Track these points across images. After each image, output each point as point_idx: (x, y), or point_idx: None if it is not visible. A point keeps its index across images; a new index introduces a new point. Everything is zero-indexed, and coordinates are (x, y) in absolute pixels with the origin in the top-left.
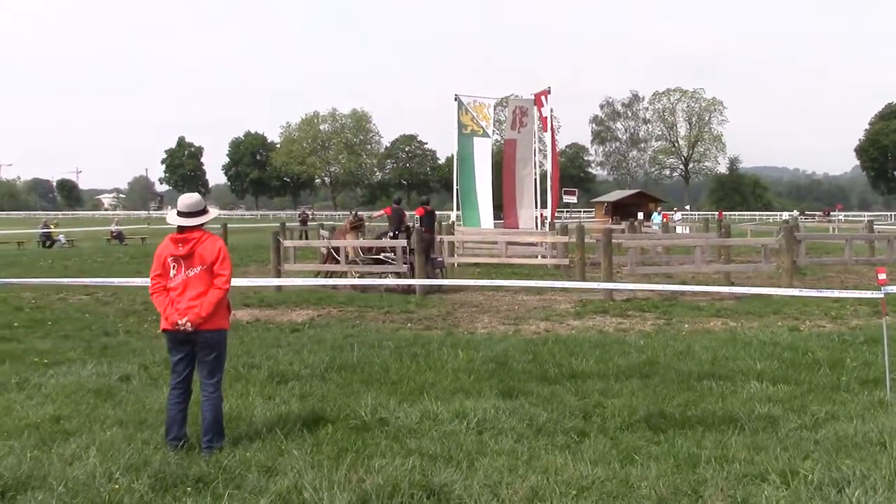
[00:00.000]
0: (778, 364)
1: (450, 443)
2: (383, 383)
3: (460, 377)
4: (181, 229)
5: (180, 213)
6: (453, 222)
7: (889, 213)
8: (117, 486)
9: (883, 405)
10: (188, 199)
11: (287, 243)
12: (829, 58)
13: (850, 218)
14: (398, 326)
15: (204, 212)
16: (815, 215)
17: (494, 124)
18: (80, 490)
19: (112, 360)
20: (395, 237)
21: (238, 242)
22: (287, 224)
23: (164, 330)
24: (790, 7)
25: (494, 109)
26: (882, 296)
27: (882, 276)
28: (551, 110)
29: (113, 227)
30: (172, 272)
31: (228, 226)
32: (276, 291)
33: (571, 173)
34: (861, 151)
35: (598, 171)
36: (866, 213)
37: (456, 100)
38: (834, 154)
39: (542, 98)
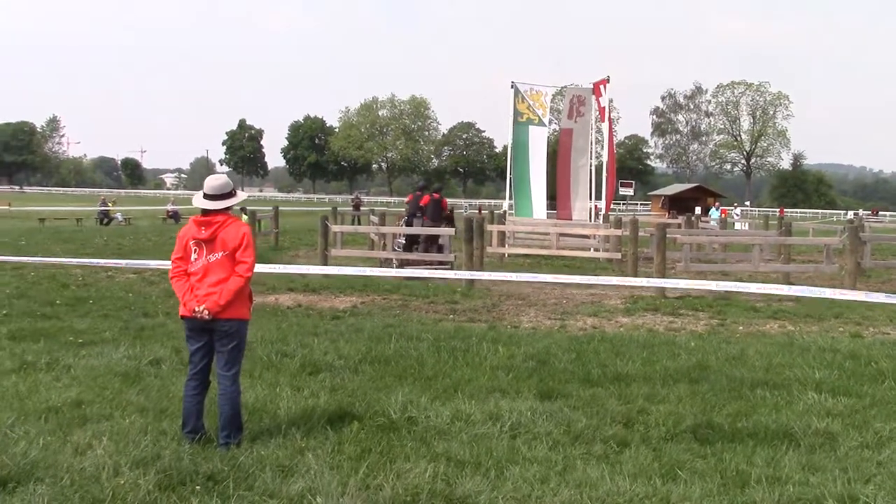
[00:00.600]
0: (838, 374)
1: (480, 448)
2: (417, 378)
3: (498, 375)
4: (205, 212)
5: (206, 196)
6: (505, 212)
7: None
8: (122, 482)
9: None
10: (215, 180)
11: (335, 228)
12: None
13: None
14: (441, 317)
15: (231, 195)
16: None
17: (552, 113)
18: (84, 483)
19: (146, 342)
20: (408, 224)
21: (291, 225)
22: (340, 209)
23: (182, 317)
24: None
25: (552, 98)
26: None
27: None
28: (610, 100)
29: (169, 207)
30: (194, 256)
31: (283, 209)
32: (323, 276)
33: (630, 165)
34: None
35: (657, 164)
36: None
37: (512, 87)
38: None
39: (601, 87)
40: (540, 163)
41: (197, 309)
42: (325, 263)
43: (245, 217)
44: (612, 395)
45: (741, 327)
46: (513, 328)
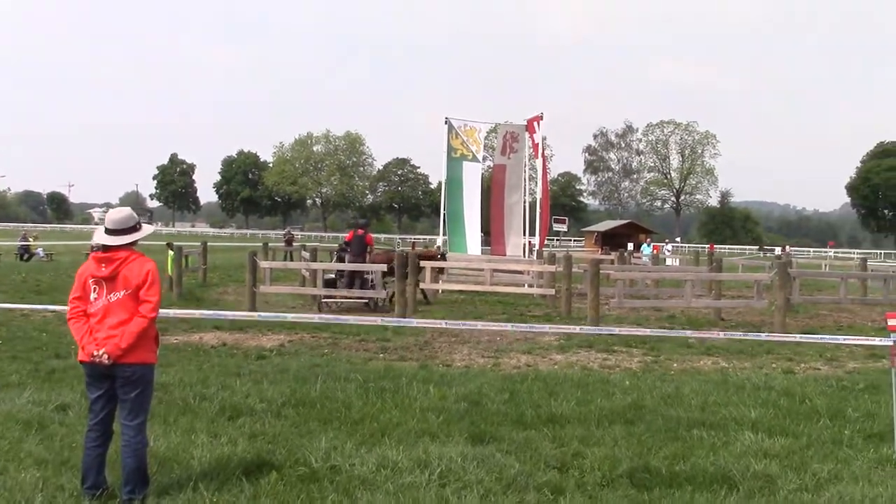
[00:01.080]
0: (773, 412)
1: (406, 499)
2: (343, 422)
3: (428, 417)
4: (106, 248)
5: (107, 231)
6: (439, 247)
7: (878, 251)
8: None
9: (891, 463)
10: (117, 213)
11: (263, 264)
12: (822, 95)
13: (840, 255)
14: (371, 356)
15: (134, 229)
16: (772, 250)
17: (487, 150)
18: None
19: (56, 385)
20: (339, 260)
21: (221, 261)
22: (271, 244)
23: (80, 362)
24: (783, 45)
25: (487, 135)
26: (893, 342)
27: (892, 322)
28: (543, 137)
29: (93, 242)
30: (93, 296)
31: (214, 244)
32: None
33: (563, 202)
34: (852, 189)
35: (589, 201)
36: (856, 251)
37: (446, 123)
38: (825, 191)
39: (535, 124)
40: (474, 199)
41: (96, 353)
42: (254, 300)
43: (171, 253)
44: (545, 437)
45: (675, 364)
46: (445, 367)
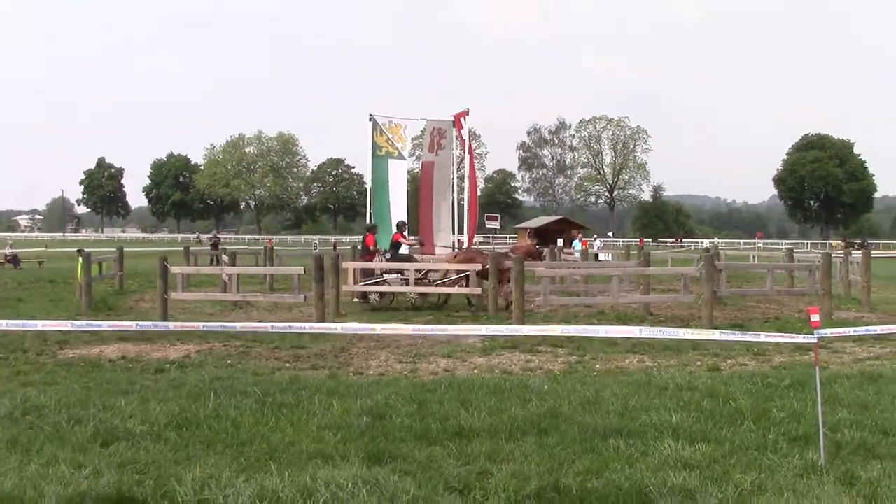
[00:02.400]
0: (696, 416)
1: None
2: (229, 445)
3: (325, 436)
4: None
5: None
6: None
7: (805, 242)
8: None
9: (816, 471)
10: None
11: (175, 269)
12: (750, 90)
13: (769, 246)
14: (280, 366)
15: None
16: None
17: (418, 147)
18: None
19: None
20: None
21: (145, 267)
22: (194, 248)
23: None
24: (710, 40)
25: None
26: (815, 340)
27: (815, 318)
28: (470, 131)
29: (7, 251)
30: None
31: (143, 249)
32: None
33: (499, 199)
34: (779, 181)
35: (524, 198)
36: (783, 242)
37: (370, 119)
38: (753, 183)
39: (462, 119)
40: (401, 197)
41: None
42: (165, 308)
43: (80, 260)
44: (451, 454)
45: (599, 364)
46: (357, 375)
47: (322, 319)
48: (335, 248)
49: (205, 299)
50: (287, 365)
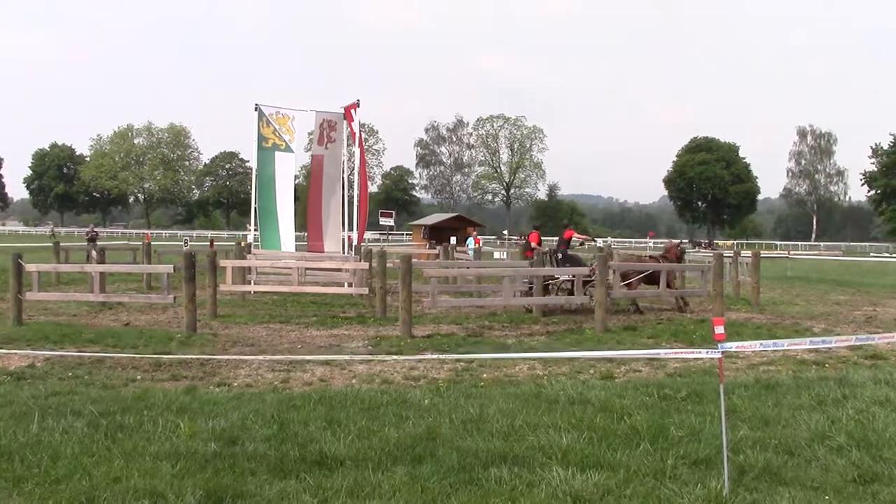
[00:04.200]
0: (588, 436)
1: None
2: (41, 482)
3: (161, 468)
4: None
5: None
6: (250, 244)
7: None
8: None
9: (720, 503)
10: None
11: (30, 267)
12: (642, 93)
13: (659, 245)
14: (135, 376)
15: None
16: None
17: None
18: None
19: None
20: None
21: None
22: (64, 243)
23: None
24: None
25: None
26: (719, 356)
27: (719, 331)
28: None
29: None
30: None
31: (16, 245)
32: (17, 325)
33: (396, 196)
34: (668, 182)
35: (422, 195)
36: (674, 242)
37: (256, 110)
38: (645, 185)
39: (352, 111)
40: (287, 191)
41: None
42: (19, 310)
43: None
44: (307, 489)
45: (487, 372)
46: (221, 387)
47: (194, 321)
48: (212, 244)
49: (67, 300)
50: (143, 376)
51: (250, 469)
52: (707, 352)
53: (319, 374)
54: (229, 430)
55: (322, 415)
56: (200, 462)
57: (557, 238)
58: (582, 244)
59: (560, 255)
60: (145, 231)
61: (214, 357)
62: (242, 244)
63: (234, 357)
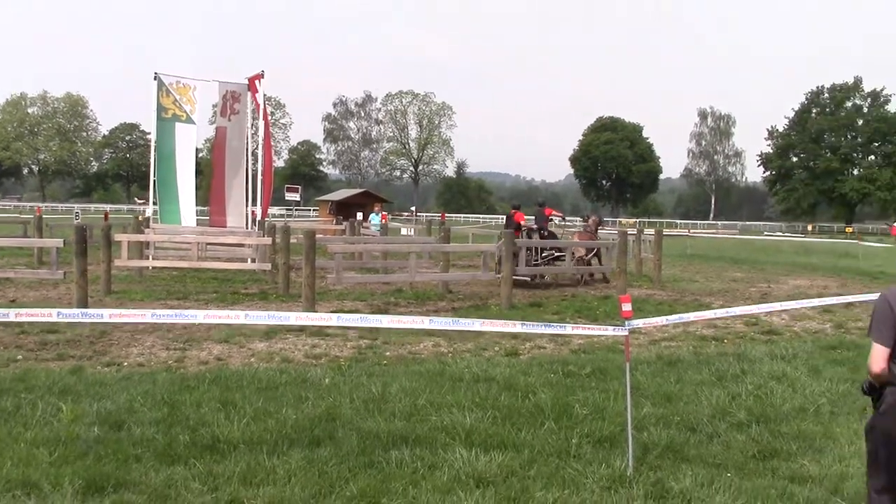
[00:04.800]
0: (492, 416)
1: None
2: None
3: (37, 456)
4: None
5: None
6: (148, 218)
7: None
8: None
9: (624, 483)
10: None
11: None
12: (549, 71)
13: (566, 224)
14: (14, 356)
15: None
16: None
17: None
18: None
19: None
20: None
21: None
22: None
23: None
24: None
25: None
26: (626, 333)
27: (627, 308)
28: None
29: None
30: None
31: None
32: None
33: (303, 171)
34: (574, 161)
35: (330, 170)
36: (578, 219)
37: (156, 79)
38: (552, 163)
39: (256, 82)
40: (188, 164)
41: None
42: None
43: None
44: (197, 475)
45: (391, 349)
46: (110, 367)
47: (85, 298)
48: (106, 217)
49: None
50: (26, 355)
51: (135, 455)
52: (614, 329)
53: (217, 353)
54: (116, 413)
55: (216, 396)
56: (82, 448)
57: (534, 216)
58: (562, 220)
59: (545, 233)
60: (39, 204)
61: (105, 333)
62: (140, 218)
63: (127, 333)
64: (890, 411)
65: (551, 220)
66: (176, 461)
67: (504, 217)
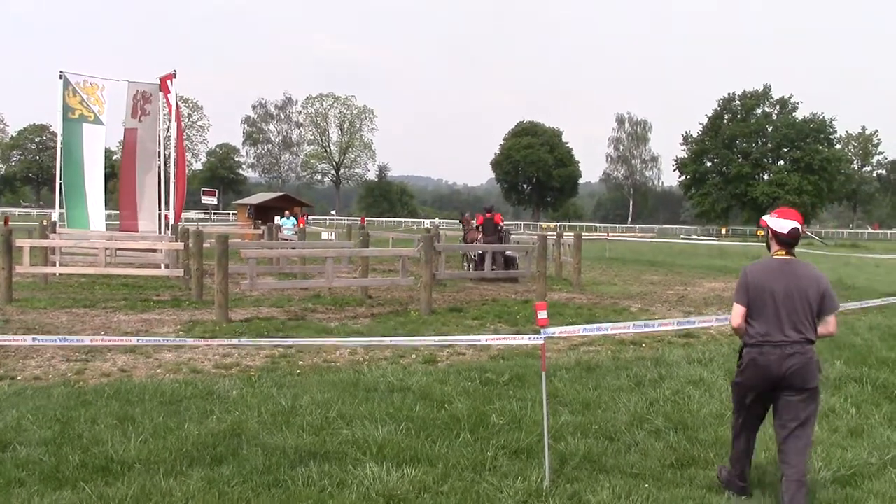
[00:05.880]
0: (406, 428)
1: None
2: None
3: None
4: None
5: None
6: (55, 223)
7: (518, 223)
8: None
9: (540, 498)
10: None
11: None
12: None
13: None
14: None
15: None
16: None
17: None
18: None
19: None
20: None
21: None
22: None
23: None
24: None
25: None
26: (542, 342)
27: (542, 316)
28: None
29: None
30: None
31: None
32: None
33: (222, 175)
34: (496, 165)
35: (249, 174)
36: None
37: (61, 77)
38: (473, 167)
39: (168, 82)
40: (97, 166)
41: None
42: None
43: None
44: (85, 500)
45: (305, 358)
46: (1, 381)
47: None
48: (6, 221)
49: None
50: None
51: (18, 479)
52: (530, 338)
53: (121, 364)
54: (2, 432)
55: (115, 411)
56: None
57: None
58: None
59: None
60: None
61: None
62: (46, 222)
63: (23, 344)
64: (747, 368)
65: (499, 226)
66: (63, 485)
67: (425, 220)
